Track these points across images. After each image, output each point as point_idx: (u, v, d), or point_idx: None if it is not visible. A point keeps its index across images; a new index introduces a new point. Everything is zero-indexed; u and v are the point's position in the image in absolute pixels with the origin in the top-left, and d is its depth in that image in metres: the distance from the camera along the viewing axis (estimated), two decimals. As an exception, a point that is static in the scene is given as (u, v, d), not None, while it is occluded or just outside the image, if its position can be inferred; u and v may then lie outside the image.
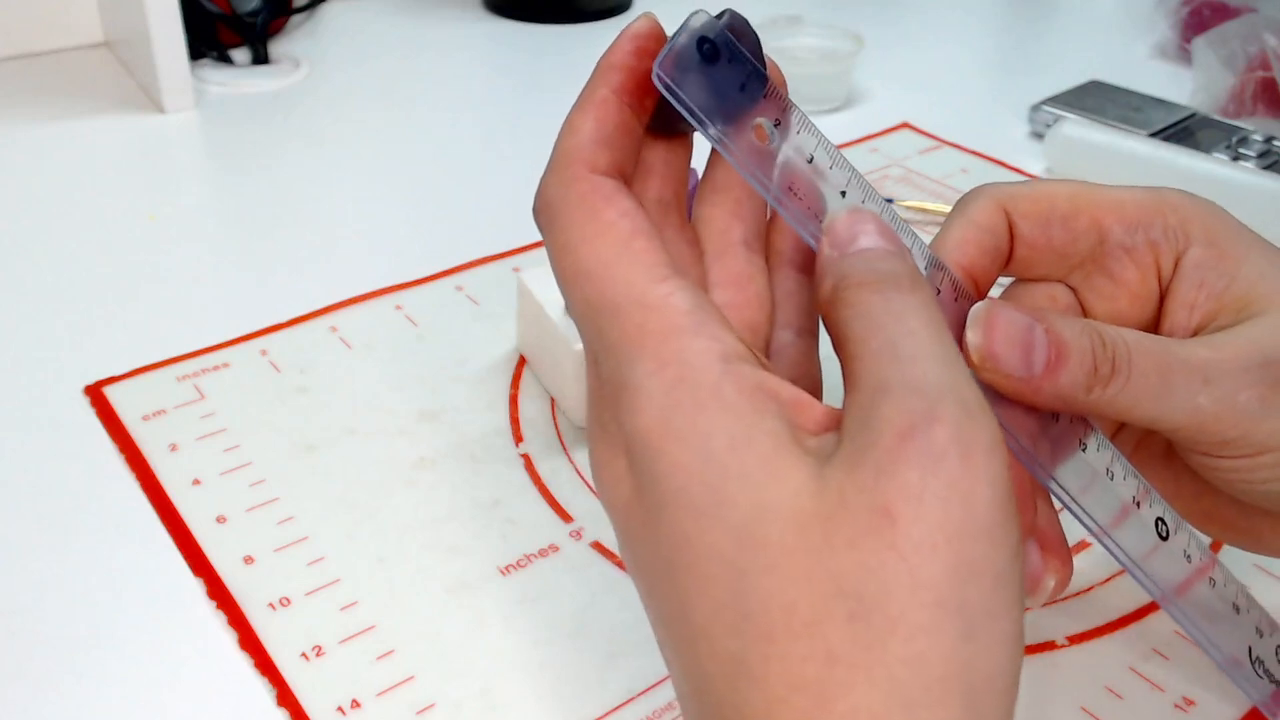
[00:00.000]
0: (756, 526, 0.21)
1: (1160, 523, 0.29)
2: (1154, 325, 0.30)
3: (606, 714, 0.33)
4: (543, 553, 0.38)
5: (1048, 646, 0.35)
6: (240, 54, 0.75)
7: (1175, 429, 0.27)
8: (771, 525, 0.21)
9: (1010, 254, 0.30)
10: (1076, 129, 0.65)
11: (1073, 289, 0.30)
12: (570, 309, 0.25)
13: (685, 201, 0.28)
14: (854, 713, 0.20)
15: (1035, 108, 0.70)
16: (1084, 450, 0.28)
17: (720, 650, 0.21)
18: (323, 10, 0.85)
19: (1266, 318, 0.28)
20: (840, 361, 0.23)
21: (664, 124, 0.27)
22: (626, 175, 0.26)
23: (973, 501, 0.20)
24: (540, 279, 0.44)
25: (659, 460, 0.22)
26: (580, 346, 0.41)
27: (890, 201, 0.60)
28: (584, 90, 0.26)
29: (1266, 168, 0.60)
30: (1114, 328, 0.27)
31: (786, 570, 0.21)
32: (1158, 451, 0.32)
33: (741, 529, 0.21)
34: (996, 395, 0.26)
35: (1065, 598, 0.37)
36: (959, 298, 0.27)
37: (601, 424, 0.24)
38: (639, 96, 0.26)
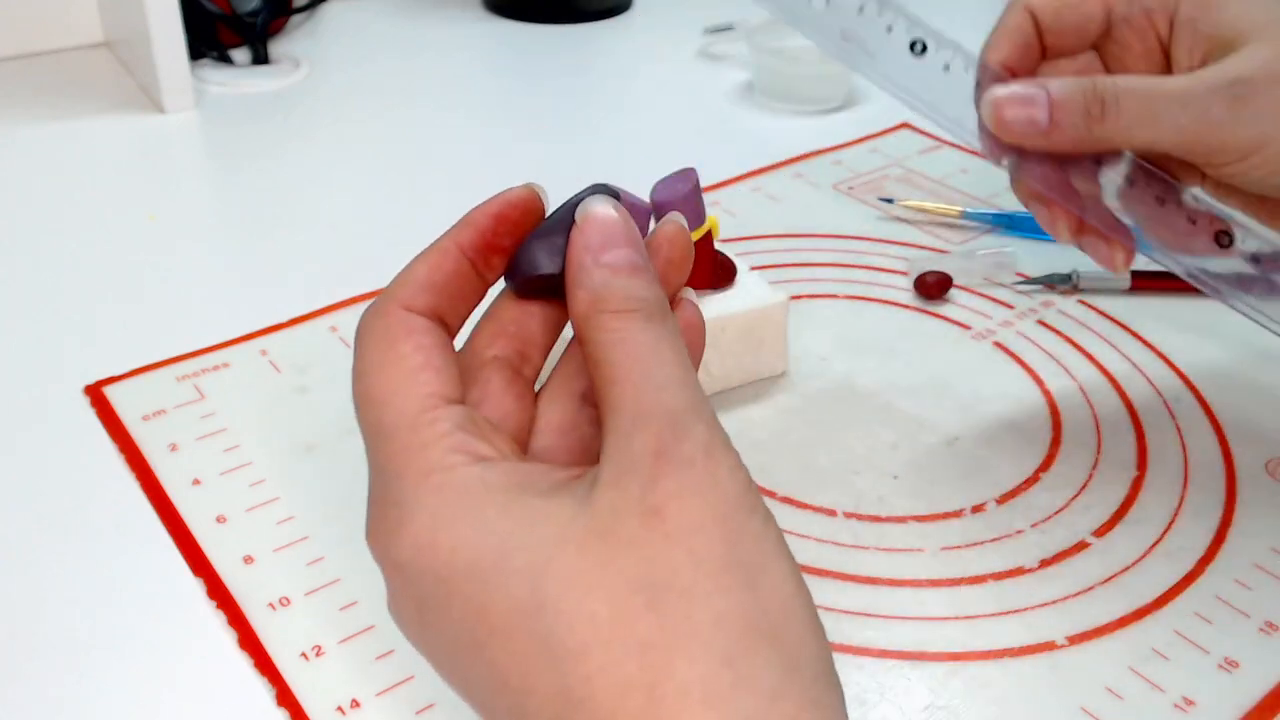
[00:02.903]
0: (542, 563, 0.23)
1: None
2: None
3: (606, 714, 0.33)
4: (542, 552, 0.38)
5: (1047, 646, 0.35)
6: (240, 54, 0.75)
7: (1173, 149, 0.35)
8: (555, 557, 0.23)
9: (1043, 45, 0.38)
10: None
11: (1100, 55, 0.39)
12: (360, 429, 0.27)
13: (534, 362, 0.30)
14: (685, 688, 0.22)
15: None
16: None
17: (544, 692, 0.22)
18: (323, 10, 0.85)
19: (1241, 49, 0.34)
20: (595, 380, 0.25)
21: (531, 290, 0.29)
22: (449, 319, 0.28)
23: (721, 486, 0.24)
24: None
25: (437, 554, 0.24)
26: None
27: (890, 201, 0.60)
28: (438, 237, 0.28)
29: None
30: (1108, 76, 0.34)
31: (580, 588, 0.22)
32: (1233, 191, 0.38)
33: (529, 571, 0.23)
34: (1041, 157, 0.36)
35: (1064, 598, 0.37)
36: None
37: (381, 555, 0.26)
38: (484, 254, 0.28)
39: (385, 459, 0.26)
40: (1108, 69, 0.39)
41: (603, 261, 0.26)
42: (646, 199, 0.42)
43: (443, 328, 0.28)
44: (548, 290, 0.28)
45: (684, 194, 0.42)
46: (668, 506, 0.23)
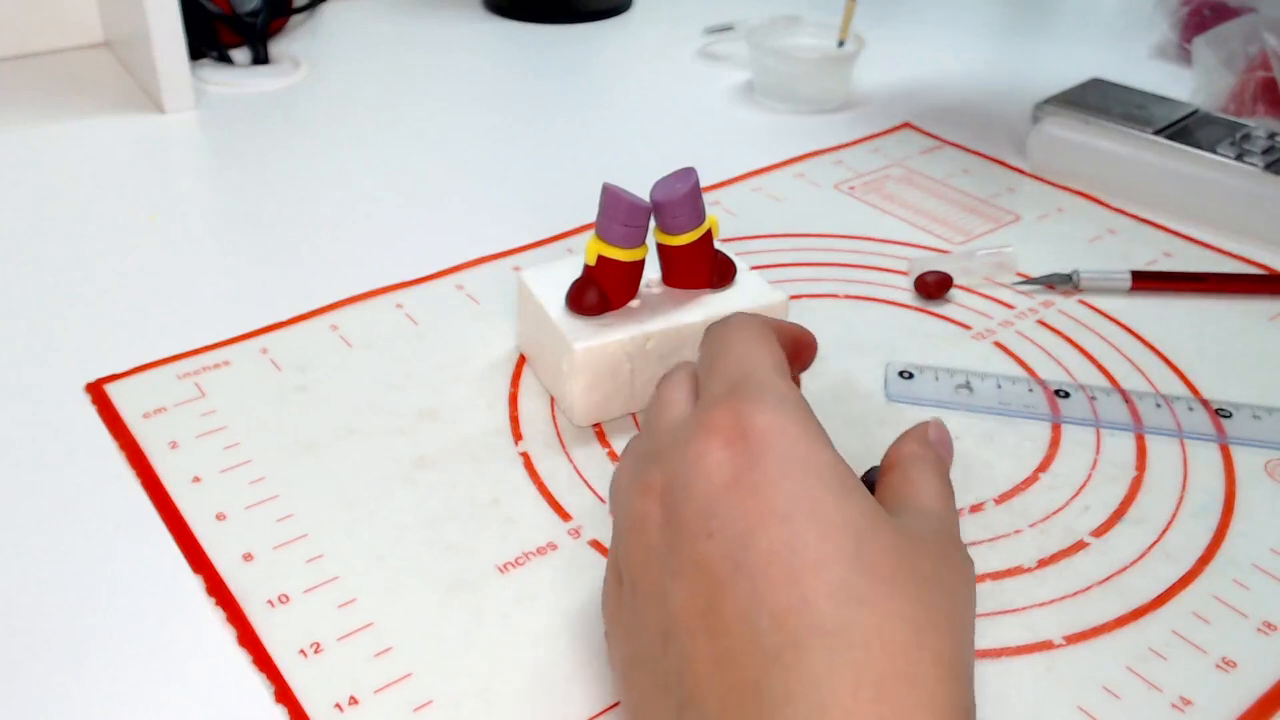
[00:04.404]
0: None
1: None
2: None
3: (604, 711, 0.33)
4: (541, 551, 0.38)
5: (1045, 646, 0.35)
6: (240, 54, 0.75)
7: None
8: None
9: None
10: (1059, 129, 0.65)
11: None
12: None
13: None
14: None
15: (1038, 106, 0.70)
16: None
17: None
18: (323, 10, 0.85)
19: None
20: None
21: None
22: None
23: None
24: (540, 278, 0.44)
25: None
26: (580, 345, 0.41)
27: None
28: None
29: (1270, 165, 0.60)
30: None
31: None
32: None
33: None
34: None
35: (1062, 597, 0.37)
36: None
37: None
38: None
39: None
40: None
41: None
42: (647, 199, 0.42)
43: None
44: None
45: (684, 194, 0.42)
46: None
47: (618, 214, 0.41)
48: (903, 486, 0.31)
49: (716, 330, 0.33)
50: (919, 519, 0.29)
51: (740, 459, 0.27)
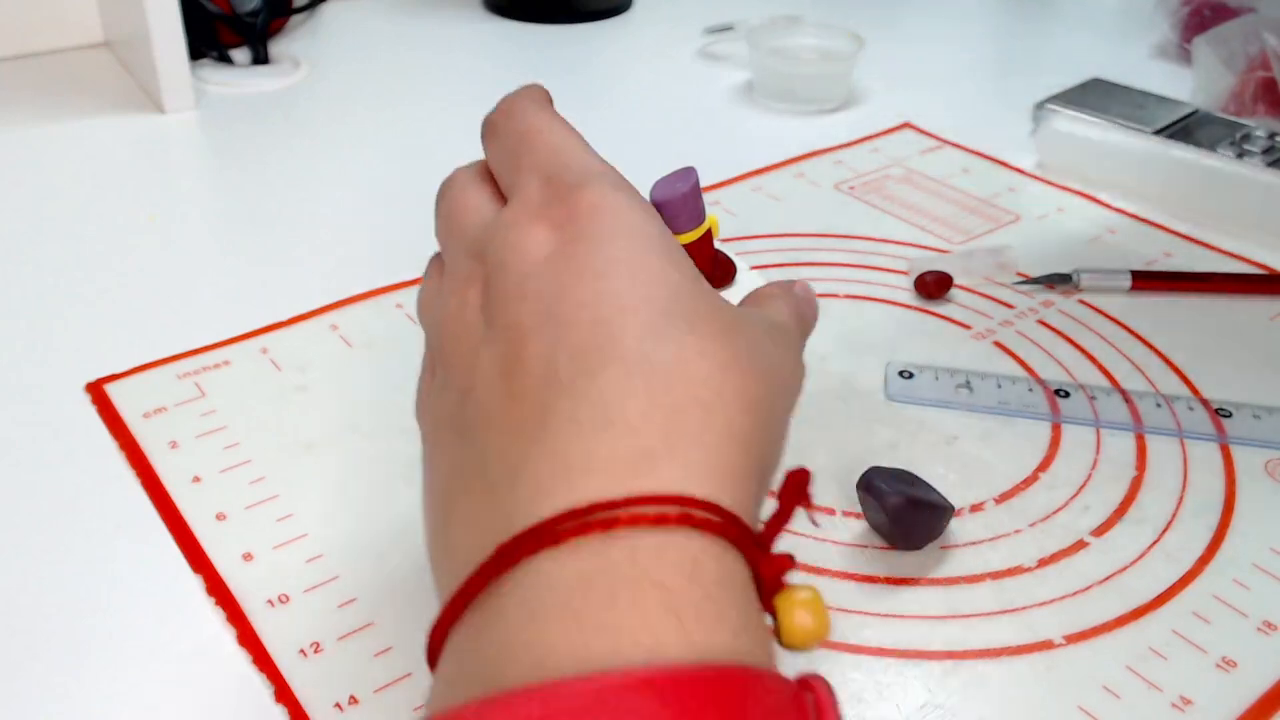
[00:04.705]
0: None
1: None
2: None
3: (605, 711, 0.33)
4: (541, 551, 0.38)
5: (1045, 645, 0.35)
6: (240, 54, 0.75)
7: None
8: None
9: None
10: (1067, 123, 0.65)
11: None
12: None
13: None
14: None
15: (1039, 106, 0.70)
16: None
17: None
18: (323, 10, 0.85)
19: None
20: None
21: None
22: None
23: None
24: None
25: None
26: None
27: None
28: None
29: (1271, 164, 0.61)
30: None
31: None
32: None
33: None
34: None
35: (1062, 597, 0.37)
36: None
37: None
38: None
39: None
40: None
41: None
42: (647, 198, 0.42)
43: None
44: None
45: (684, 194, 0.42)
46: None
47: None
48: (752, 302, 0.30)
49: (505, 123, 0.30)
50: (757, 316, 0.27)
51: (565, 233, 0.25)
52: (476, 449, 0.24)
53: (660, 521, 0.20)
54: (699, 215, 0.43)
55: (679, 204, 0.42)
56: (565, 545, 0.20)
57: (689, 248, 0.43)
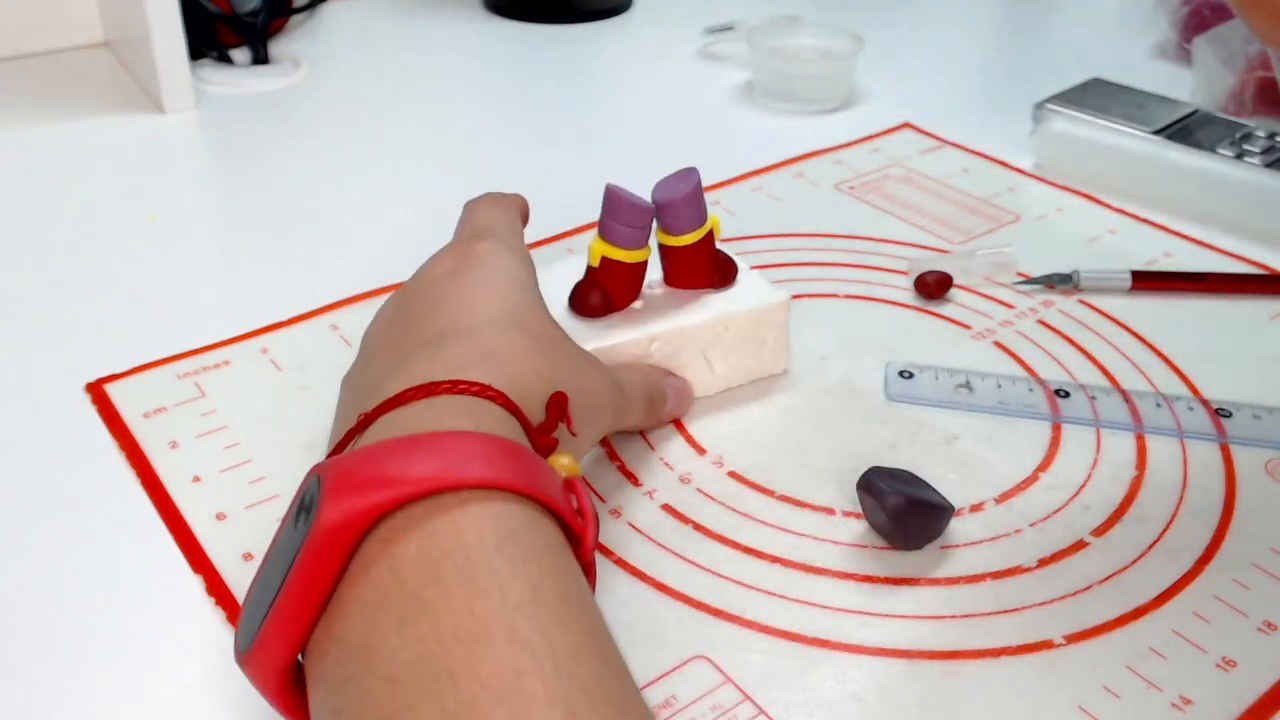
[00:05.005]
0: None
1: None
2: None
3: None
4: (542, 551, 0.38)
5: (1045, 645, 0.35)
6: (240, 54, 0.75)
7: None
8: None
9: None
10: (1067, 123, 0.65)
11: None
12: None
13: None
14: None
15: (1039, 106, 0.70)
16: None
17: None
18: (323, 10, 0.85)
19: None
20: None
21: None
22: None
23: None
24: (541, 279, 0.44)
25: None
26: (586, 347, 0.41)
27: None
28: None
29: (1270, 164, 0.60)
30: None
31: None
32: None
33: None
34: None
35: (1062, 597, 0.37)
36: None
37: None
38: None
39: None
40: None
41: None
42: (648, 199, 0.42)
43: None
44: None
45: (685, 194, 0.42)
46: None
47: (620, 215, 0.41)
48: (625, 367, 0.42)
49: (472, 202, 0.43)
50: (593, 358, 0.38)
51: (460, 264, 0.37)
52: (367, 372, 0.36)
53: (465, 390, 0.31)
54: (701, 216, 0.43)
55: (680, 204, 0.42)
56: (405, 405, 0.30)
57: (690, 248, 0.43)
